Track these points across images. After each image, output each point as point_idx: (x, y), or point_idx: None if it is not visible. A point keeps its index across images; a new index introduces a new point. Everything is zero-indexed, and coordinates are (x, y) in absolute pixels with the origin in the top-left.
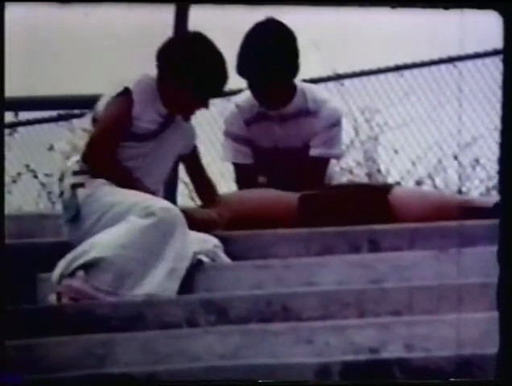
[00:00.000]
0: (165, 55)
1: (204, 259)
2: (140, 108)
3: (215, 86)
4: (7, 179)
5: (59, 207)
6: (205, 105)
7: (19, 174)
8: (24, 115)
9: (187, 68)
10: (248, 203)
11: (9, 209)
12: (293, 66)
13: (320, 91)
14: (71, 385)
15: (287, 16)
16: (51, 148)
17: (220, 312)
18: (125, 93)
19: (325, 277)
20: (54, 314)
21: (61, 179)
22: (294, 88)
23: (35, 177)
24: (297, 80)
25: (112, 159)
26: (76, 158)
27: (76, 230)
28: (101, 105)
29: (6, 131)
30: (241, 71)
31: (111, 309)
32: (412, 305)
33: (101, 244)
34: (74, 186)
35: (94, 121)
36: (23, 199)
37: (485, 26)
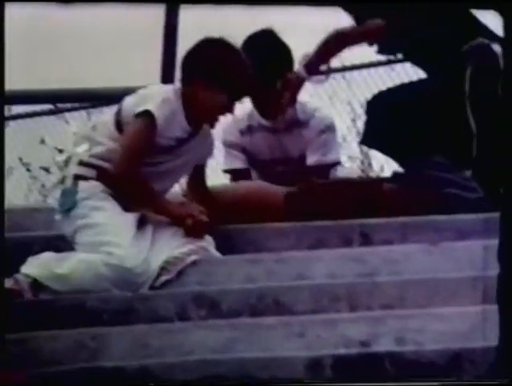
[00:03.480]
0: (193, 61)
1: (196, 258)
2: (163, 129)
3: (243, 88)
4: None
5: (50, 201)
6: (231, 110)
7: (11, 168)
8: (16, 108)
9: (218, 71)
10: (235, 195)
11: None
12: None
13: (310, 100)
14: (62, 379)
15: (287, 15)
16: (42, 142)
17: (212, 306)
18: (148, 118)
19: (317, 271)
20: (44, 308)
21: (66, 164)
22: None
23: (28, 170)
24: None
25: (137, 182)
26: (87, 146)
27: (67, 224)
28: (126, 106)
29: None
30: None
31: (102, 302)
32: (404, 298)
33: (58, 269)
34: (77, 178)
35: (118, 124)
36: (14, 192)
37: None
